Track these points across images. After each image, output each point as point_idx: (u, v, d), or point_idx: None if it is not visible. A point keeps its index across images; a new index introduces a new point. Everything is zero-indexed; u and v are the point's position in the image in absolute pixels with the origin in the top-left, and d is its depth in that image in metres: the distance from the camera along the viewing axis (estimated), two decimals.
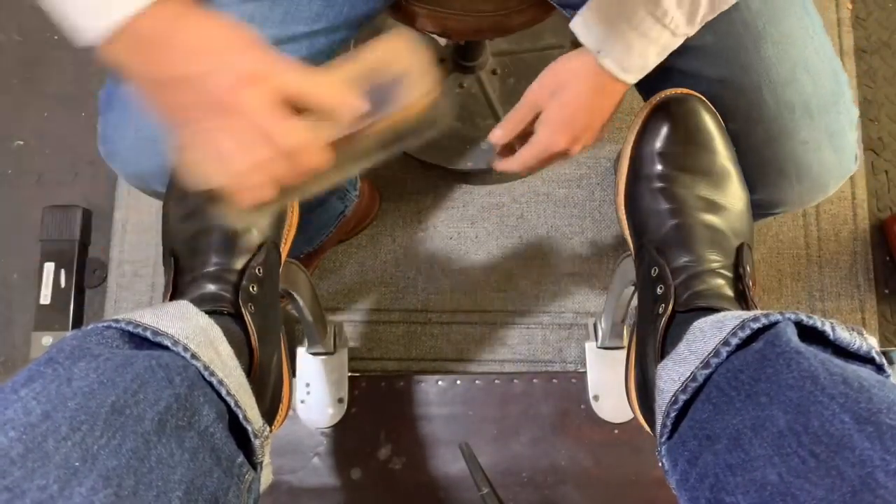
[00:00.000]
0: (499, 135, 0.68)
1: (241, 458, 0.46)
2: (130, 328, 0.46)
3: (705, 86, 0.62)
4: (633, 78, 0.61)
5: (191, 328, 0.47)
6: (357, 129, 0.48)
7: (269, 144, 0.44)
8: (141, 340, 0.46)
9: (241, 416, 0.47)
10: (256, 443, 0.48)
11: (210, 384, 0.45)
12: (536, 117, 0.65)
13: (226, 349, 0.49)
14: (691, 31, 0.59)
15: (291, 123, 0.45)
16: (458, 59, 1.17)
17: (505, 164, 0.70)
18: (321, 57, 0.71)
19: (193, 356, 0.45)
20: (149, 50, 0.44)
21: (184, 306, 0.50)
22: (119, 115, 0.65)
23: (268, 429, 0.51)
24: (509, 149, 0.69)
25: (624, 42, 0.58)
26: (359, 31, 0.73)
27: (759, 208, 0.67)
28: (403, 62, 0.50)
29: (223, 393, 0.46)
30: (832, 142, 0.63)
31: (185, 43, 0.44)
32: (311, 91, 0.46)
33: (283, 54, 0.46)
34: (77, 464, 0.34)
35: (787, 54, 0.61)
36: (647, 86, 0.63)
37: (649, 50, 0.59)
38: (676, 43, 0.60)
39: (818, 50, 0.62)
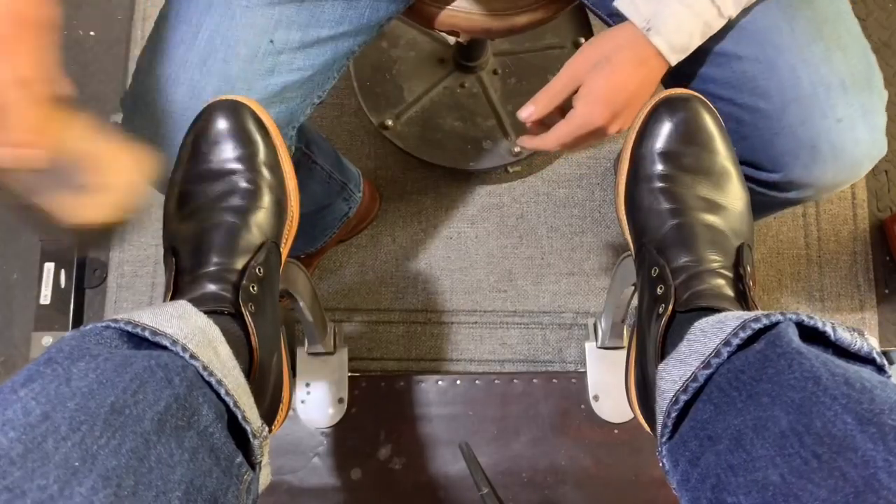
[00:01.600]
0: (531, 111, 0.65)
1: (240, 458, 0.46)
2: (129, 328, 0.45)
3: (740, 66, 0.62)
4: (677, 58, 0.61)
5: (189, 328, 0.47)
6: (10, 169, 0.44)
7: None
8: (139, 340, 0.46)
9: (239, 417, 0.47)
10: (255, 443, 0.48)
11: (209, 384, 0.45)
12: (571, 96, 0.63)
13: (224, 349, 0.49)
14: (734, 13, 0.59)
15: None
16: (459, 58, 1.17)
17: (536, 142, 0.67)
18: (343, 60, 0.71)
19: (192, 356, 0.45)
20: None
21: (182, 306, 0.50)
22: (145, 120, 0.65)
23: (266, 429, 0.51)
24: (539, 126, 0.67)
25: (674, 18, 0.58)
26: (379, 32, 0.74)
27: (791, 191, 0.67)
28: (112, 174, 0.47)
29: (222, 393, 0.46)
30: (866, 120, 0.63)
31: None
32: (21, 108, 0.42)
33: None
34: (77, 464, 0.34)
35: (821, 33, 0.61)
36: (679, 66, 0.63)
37: (696, 28, 0.59)
38: (719, 24, 0.59)
39: (850, 29, 0.63)
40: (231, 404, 0.46)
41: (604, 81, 0.61)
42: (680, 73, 0.65)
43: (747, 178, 0.62)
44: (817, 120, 0.62)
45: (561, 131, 0.64)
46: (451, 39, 1.20)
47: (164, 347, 0.45)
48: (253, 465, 0.48)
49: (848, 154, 0.64)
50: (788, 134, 0.62)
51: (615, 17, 0.67)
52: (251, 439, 0.48)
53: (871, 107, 0.63)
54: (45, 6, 0.44)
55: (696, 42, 0.60)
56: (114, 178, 0.48)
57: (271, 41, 0.63)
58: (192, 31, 0.63)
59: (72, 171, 0.46)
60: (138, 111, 0.65)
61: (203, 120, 0.58)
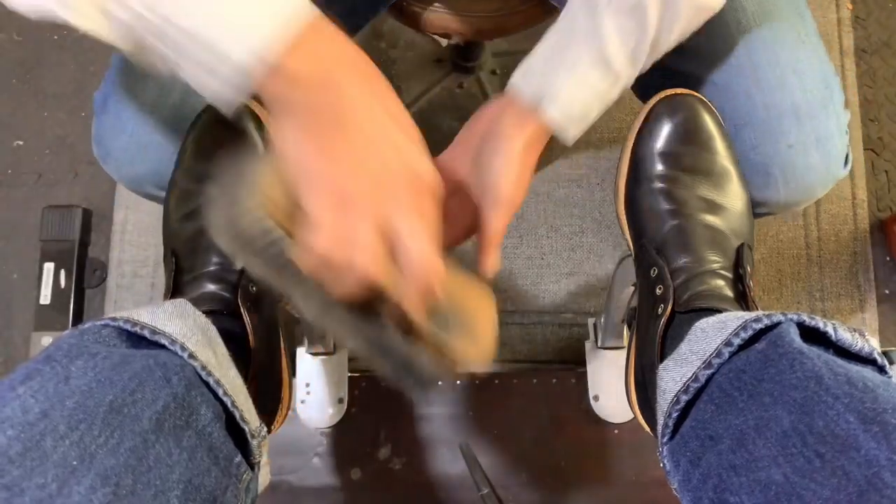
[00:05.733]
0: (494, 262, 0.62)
1: (238, 458, 0.46)
2: (128, 327, 0.45)
3: (697, 87, 0.62)
4: (574, 134, 0.55)
5: (188, 327, 0.47)
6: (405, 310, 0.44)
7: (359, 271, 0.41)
8: (138, 339, 0.46)
9: (237, 417, 0.47)
10: (253, 443, 0.48)
11: (207, 384, 0.45)
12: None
13: (222, 350, 0.49)
14: (635, 74, 0.54)
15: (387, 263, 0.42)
16: (457, 59, 1.17)
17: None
18: None
19: (191, 355, 0.45)
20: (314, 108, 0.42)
21: (182, 305, 0.50)
22: (114, 118, 0.65)
23: (265, 429, 0.51)
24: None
25: (566, 90, 0.55)
26: (356, 34, 0.73)
27: None
28: (479, 314, 0.47)
29: (220, 393, 0.45)
30: (819, 146, 0.62)
31: (358, 127, 0.43)
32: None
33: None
34: (75, 462, 0.34)
35: (778, 58, 0.61)
36: (641, 84, 0.62)
37: (594, 103, 0.54)
38: (619, 89, 0.54)
39: (809, 54, 0.62)
40: (229, 404, 0.46)
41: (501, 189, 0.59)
42: (643, 88, 0.64)
43: None
44: (769, 145, 0.62)
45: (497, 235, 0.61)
46: (444, 41, 1.20)
47: (163, 346, 0.45)
48: (252, 464, 0.48)
49: (799, 179, 0.63)
50: (741, 158, 0.62)
51: None
52: (249, 439, 0.48)
53: (826, 132, 0.62)
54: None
55: (596, 111, 0.55)
56: (479, 320, 0.48)
57: None
58: None
59: (454, 316, 0.46)
60: (106, 110, 0.65)
61: (203, 120, 0.58)
